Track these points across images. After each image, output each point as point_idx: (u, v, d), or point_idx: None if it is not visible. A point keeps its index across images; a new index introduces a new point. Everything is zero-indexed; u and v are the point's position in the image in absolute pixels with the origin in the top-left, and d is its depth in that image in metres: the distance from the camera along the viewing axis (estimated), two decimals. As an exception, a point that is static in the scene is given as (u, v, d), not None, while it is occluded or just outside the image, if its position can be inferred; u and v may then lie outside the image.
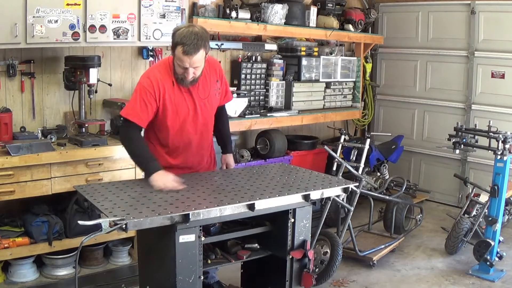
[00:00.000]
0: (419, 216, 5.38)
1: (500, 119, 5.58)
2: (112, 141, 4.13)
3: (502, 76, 5.85)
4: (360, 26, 6.25)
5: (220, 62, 4.53)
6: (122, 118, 3.13)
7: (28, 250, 3.78)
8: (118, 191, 2.91)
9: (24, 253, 3.77)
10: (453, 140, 4.79)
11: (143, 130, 3.19)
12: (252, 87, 5.44)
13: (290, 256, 3.11)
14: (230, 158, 3.57)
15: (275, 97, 5.59)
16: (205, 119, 3.27)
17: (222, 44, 5.13)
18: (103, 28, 4.00)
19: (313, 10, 5.72)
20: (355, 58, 6.46)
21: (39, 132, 4.00)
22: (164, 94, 3.06)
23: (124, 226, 2.40)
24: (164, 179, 2.94)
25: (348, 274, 4.43)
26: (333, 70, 6.12)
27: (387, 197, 5.07)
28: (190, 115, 3.19)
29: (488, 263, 4.40)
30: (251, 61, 5.42)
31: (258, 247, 3.17)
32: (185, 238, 2.66)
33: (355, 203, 4.54)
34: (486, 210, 4.69)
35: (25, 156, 3.58)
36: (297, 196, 3.01)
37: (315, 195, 3.08)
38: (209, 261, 2.97)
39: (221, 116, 3.49)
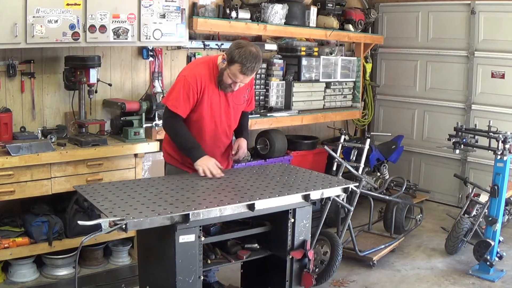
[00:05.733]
0: (419, 216, 5.38)
1: (500, 119, 5.58)
2: (112, 141, 4.14)
3: (502, 76, 5.85)
4: (360, 26, 6.25)
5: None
6: (165, 107, 3.37)
7: (28, 250, 3.77)
8: (118, 191, 2.91)
9: (24, 253, 3.77)
10: (453, 140, 4.79)
11: None
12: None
13: (290, 256, 3.12)
14: (243, 141, 3.61)
15: (275, 97, 5.59)
16: (230, 121, 3.50)
17: (222, 44, 5.13)
18: (103, 28, 4.00)
19: (313, 10, 5.72)
20: (355, 58, 6.46)
21: (39, 132, 4.00)
22: (204, 90, 3.29)
23: (124, 226, 2.40)
24: (207, 163, 3.25)
25: (348, 274, 4.43)
26: (333, 70, 6.12)
27: (387, 197, 5.07)
28: (221, 115, 3.41)
29: (488, 263, 4.40)
30: (251, 61, 5.41)
31: (258, 247, 3.18)
32: (185, 238, 2.66)
33: (355, 203, 4.54)
34: (486, 210, 4.69)
35: (25, 156, 3.58)
36: (297, 196, 3.01)
37: (315, 195, 3.08)
38: (209, 261, 2.97)
39: (243, 118, 3.68)
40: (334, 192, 3.26)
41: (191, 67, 3.45)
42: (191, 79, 3.26)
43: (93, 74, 4.06)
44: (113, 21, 4.06)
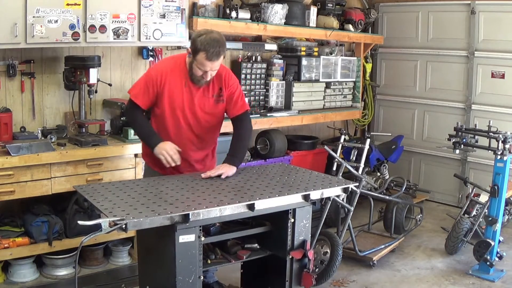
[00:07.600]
0: (419, 216, 5.38)
1: (500, 119, 5.58)
2: (112, 141, 4.14)
3: (502, 76, 5.85)
4: (360, 26, 6.25)
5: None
6: (129, 97, 3.39)
7: (28, 250, 3.77)
8: (118, 191, 2.91)
9: (24, 253, 3.77)
10: (453, 140, 4.80)
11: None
12: (252, 87, 5.43)
13: (290, 256, 3.11)
14: (225, 166, 3.30)
15: (275, 97, 5.59)
16: (200, 126, 3.38)
17: (222, 44, 5.13)
18: (103, 28, 4.00)
19: (313, 10, 5.72)
20: (355, 58, 6.46)
21: (39, 132, 4.00)
22: (165, 83, 3.27)
23: (124, 226, 2.40)
24: (164, 147, 3.24)
25: (348, 274, 4.43)
26: (333, 70, 6.12)
27: (387, 197, 5.07)
28: (184, 110, 3.32)
29: (488, 263, 4.40)
30: (251, 61, 5.42)
31: (258, 247, 3.17)
32: (185, 238, 2.66)
33: (355, 203, 4.54)
34: (486, 210, 4.69)
35: (25, 156, 3.58)
36: (297, 196, 3.01)
37: (315, 195, 3.08)
38: (209, 261, 2.97)
39: (238, 128, 3.48)
40: (334, 192, 3.26)
41: (158, 63, 3.52)
42: (153, 72, 3.32)
43: (93, 74, 4.06)
44: (113, 21, 4.06)
